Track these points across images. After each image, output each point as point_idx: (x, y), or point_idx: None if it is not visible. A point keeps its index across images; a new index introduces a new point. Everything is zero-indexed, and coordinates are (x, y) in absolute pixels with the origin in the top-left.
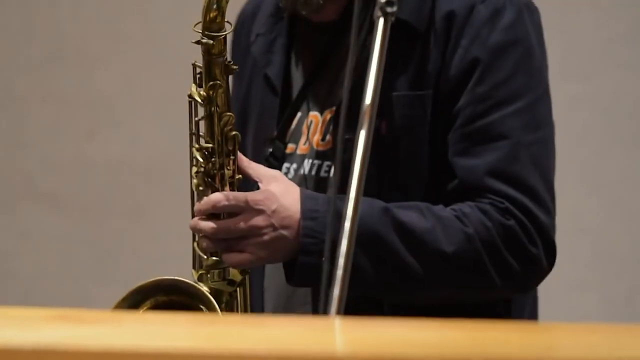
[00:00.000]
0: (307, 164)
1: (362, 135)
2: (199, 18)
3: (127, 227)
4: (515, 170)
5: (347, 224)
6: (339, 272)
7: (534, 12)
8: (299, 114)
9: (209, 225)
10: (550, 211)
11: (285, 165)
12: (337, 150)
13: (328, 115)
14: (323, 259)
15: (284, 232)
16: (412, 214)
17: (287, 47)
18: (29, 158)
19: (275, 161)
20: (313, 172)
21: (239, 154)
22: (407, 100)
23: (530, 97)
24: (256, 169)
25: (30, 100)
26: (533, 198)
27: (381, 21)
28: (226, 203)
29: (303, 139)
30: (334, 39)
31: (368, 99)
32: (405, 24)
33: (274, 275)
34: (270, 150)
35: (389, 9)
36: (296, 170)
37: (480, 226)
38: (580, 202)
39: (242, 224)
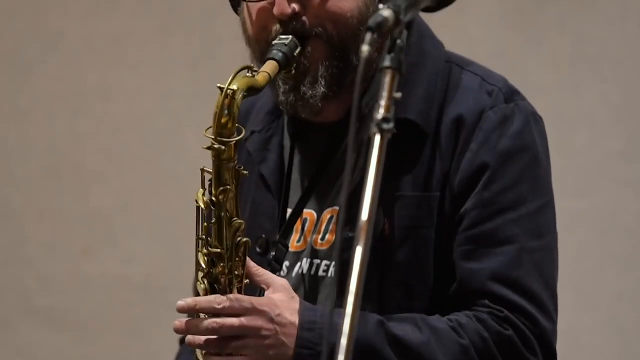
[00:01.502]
0: (305, 263)
1: (359, 251)
2: (194, 132)
3: (125, 343)
4: (517, 275)
5: (344, 340)
6: None
7: (539, 121)
8: (289, 210)
9: (211, 321)
10: (552, 317)
11: None
12: (336, 249)
13: (328, 214)
14: None
15: (284, 338)
16: (407, 327)
17: (282, 145)
18: (26, 274)
19: (277, 264)
20: (312, 272)
21: (247, 260)
22: (413, 201)
23: (535, 204)
24: (264, 276)
25: (27, 216)
26: (535, 303)
27: (377, 138)
28: (229, 304)
29: (295, 236)
30: (335, 139)
31: (365, 214)
32: (412, 124)
33: None
34: (273, 253)
35: (385, 126)
36: (289, 268)
37: (476, 337)
38: (576, 318)
39: (244, 322)
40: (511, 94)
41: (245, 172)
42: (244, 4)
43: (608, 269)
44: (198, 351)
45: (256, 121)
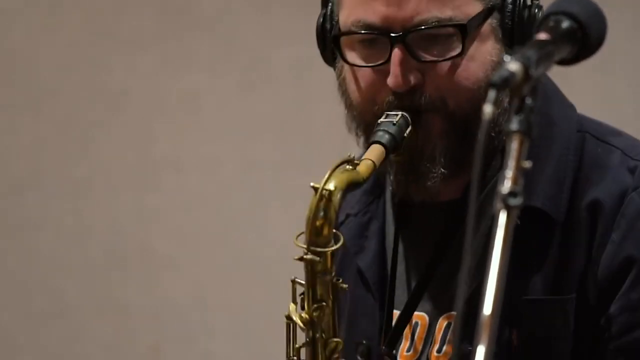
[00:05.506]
0: None
1: (480, 353)
2: (281, 209)
3: None
4: None
5: None
6: None
7: None
8: (396, 311)
9: None
10: None
11: None
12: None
13: (445, 321)
14: None
15: None
16: None
17: (384, 232)
18: None
19: None
20: None
21: None
22: (544, 306)
23: None
24: None
25: (84, 311)
26: None
27: (503, 216)
28: None
29: (405, 344)
30: (451, 222)
31: (487, 308)
32: (539, 213)
33: None
34: None
35: (512, 201)
36: None
37: None
38: None
39: None
40: None
41: (344, 285)
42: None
43: None
44: None
45: (351, 202)
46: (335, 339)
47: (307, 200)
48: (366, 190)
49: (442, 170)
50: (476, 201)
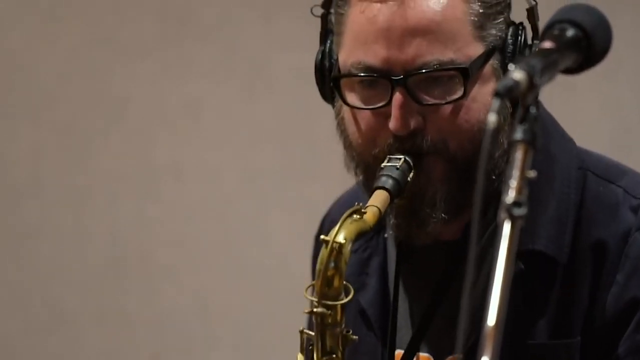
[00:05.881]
0: None
1: None
2: (283, 219)
3: None
4: None
5: None
6: None
7: None
8: (399, 351)
9: None
10: None
11: None
12: None
13: None
14: None
15: None
16: None
17: (385, 269)
18: None
19: None
20: None
21: None
22: (549, 351)
23: None
24: None
25: (84, 320)
26: None
27: (507, 226)
28: None
29: None
30: (454, 261)
31: (492, 319)
32: (542, 256)
33: None
34: None
35: (516, 211)
36: None
37: None
38: None
39: None
40: None
41: (354, 337)
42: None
43: None
44: None
45: None
46: None
47: (309, 209)
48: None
49: (443, 215)
50: (477, 243)
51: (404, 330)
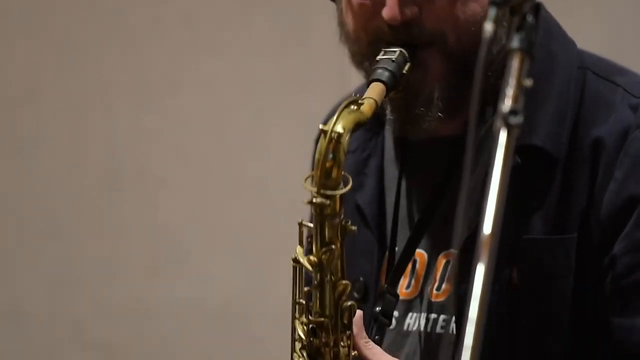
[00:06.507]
0: (420, 317)
1: (480, 272)
2: (281, 129)
3: None
4: None
5: (466, 354)
6: None
7: None
8: (396, 248)
9: None
10: None
11: None
12: (452, 302)
13: (443, 259)
14: None
15: None
16: None
17: (382, 169)
18: (79, 299)
19: (385, 318)
20: (429, 329)
21: (356, 329)
22: (545, 246)
23: None
24: (374, 354)
25: (80, 232)
26: None
27: (503, 134)
28: None
29: (404, 281)
30: (455, 159)
31: (487, 228)
32: (540, 151)
33: None
34: (379, 308)
35: (512, 120)
36: (398, 320)
37: None
38: None
39: None
40: None
41: (353, 227)
42: None
43: None
44: None
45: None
46: (344, 282)
47: (306, 119)
48: (365, 127)
49: (439, 113)
50: (475, 137)
51: (401, 228)
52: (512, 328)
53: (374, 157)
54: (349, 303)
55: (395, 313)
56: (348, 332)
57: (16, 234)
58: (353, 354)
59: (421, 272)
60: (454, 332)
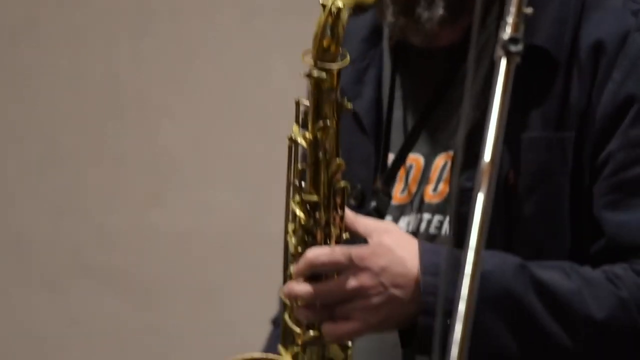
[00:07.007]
0: (412, 218)
1: (480, 199)
2: (283, 55)
3: (198, 310)
4: None
5: (462, 307)
6: (456, 336)
7: None
8: (390, 155)
9: (305, 288)
10: None
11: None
12: (451, 202)
13: (442, 160)
14: (449, 321)
15: (396, 292)
16: (553, 274)
17: (380, 79)
18: (81, 227)
19: (379, 216)
20: (422, 229)
21: (346, 209)
22: (543, 144)
23: None
24: (364, 224)
25: (81, 160)
26: None
27: (503, 62)
28: (325, 259)
29: (399, 186)
30: (449, 68)
31: (487, 155)
32: (541, 51)
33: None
34: (374, 204)
35: (513, 48)
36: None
37: (636, 290)
38: None
39: (345, 285)
40: None
41: (349, 103)
42: None
43: None
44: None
45: (349, 50)
46: (338, 160)
47: (308, 45)
48: (364, 37)
49: (442, 13)
50: (477, 43)
51: (397, 134)
52: (508, 227)
53: (373, 67)
54: (342, 184)
55: (389, 217)
56: (340, 213)
57: (17, 164)
58: (345, 234)
59: (416, 176)
60: (447, 233)
